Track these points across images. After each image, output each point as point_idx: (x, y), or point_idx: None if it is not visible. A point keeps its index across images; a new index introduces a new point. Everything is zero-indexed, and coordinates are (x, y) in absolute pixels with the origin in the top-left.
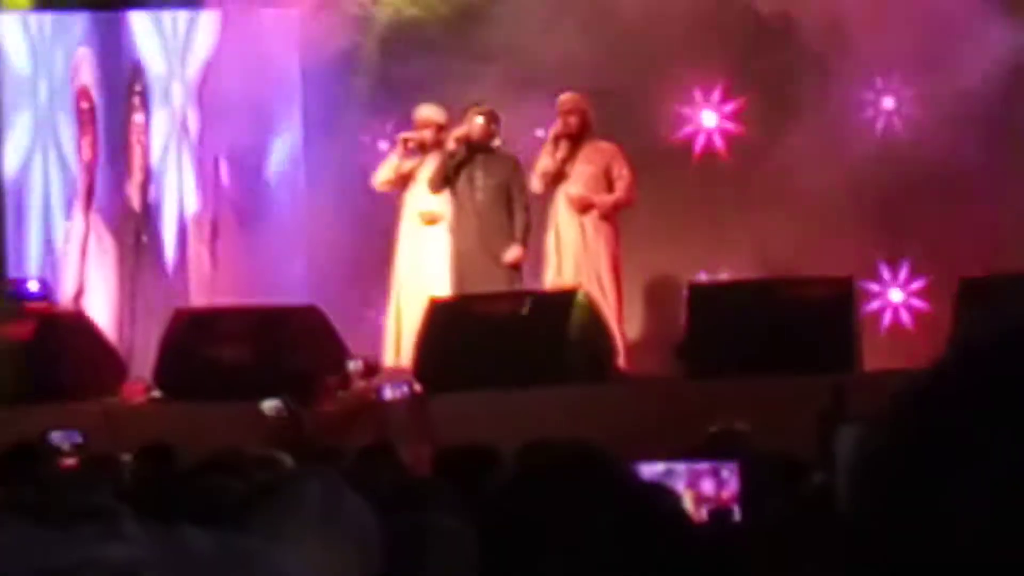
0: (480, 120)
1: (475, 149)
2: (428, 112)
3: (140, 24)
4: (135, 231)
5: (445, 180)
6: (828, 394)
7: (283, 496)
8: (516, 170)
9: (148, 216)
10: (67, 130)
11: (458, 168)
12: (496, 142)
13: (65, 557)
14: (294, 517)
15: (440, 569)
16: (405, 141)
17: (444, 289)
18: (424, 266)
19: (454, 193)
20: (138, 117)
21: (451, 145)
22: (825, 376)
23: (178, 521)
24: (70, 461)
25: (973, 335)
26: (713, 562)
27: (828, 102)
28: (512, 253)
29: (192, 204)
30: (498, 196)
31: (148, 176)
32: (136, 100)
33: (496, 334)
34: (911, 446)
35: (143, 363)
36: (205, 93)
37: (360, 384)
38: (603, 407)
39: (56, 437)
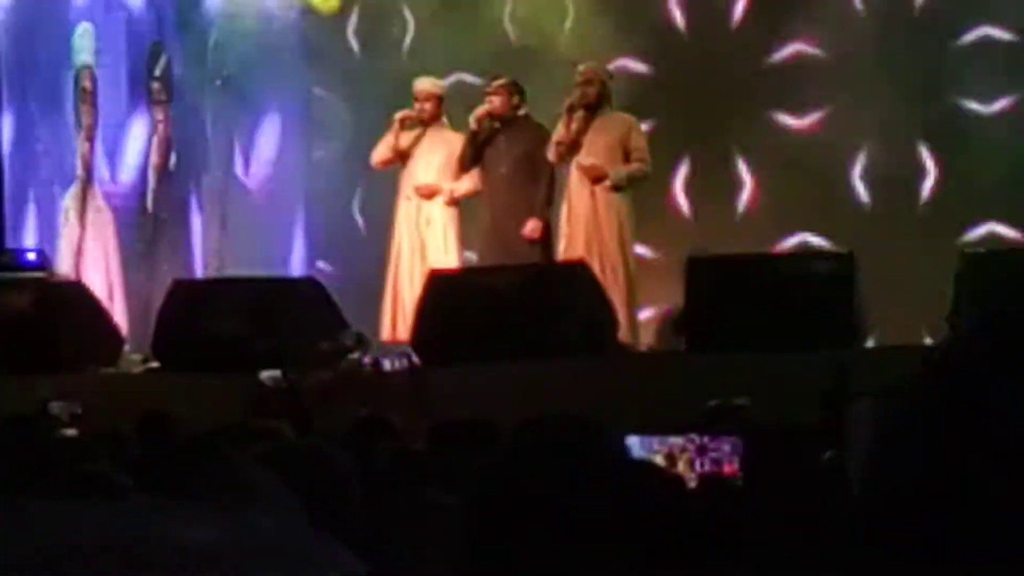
0: (498, 97)
1: (500, 122)
2: (426, 85)
3: None
4: (145, 206)
5: (472, 160)
6: (830, 371)
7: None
8: (544, 139)
9: (161, 189)
10: (67, 101)
11: (484, 145)
12: (522, 111)
13: (134, 532)
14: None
15: (437, 544)
16: (402, 120)
17: (442, 262)
18: (422, 239)
19: (481, 168)
20: (156, 94)
21: (473, 125)
22: (826, 352)
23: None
24: (69, 431)
25: (985, 309)
26: (704, 541)
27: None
28: (531, 226)
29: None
30: (523, 167)
31: (166, 161)
32: (156, 85)
33: (495, 307)
34: (930, 417)
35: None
36: (211, 67)
37: (353, 357)
38: (602, 381)
39: (55, 407)
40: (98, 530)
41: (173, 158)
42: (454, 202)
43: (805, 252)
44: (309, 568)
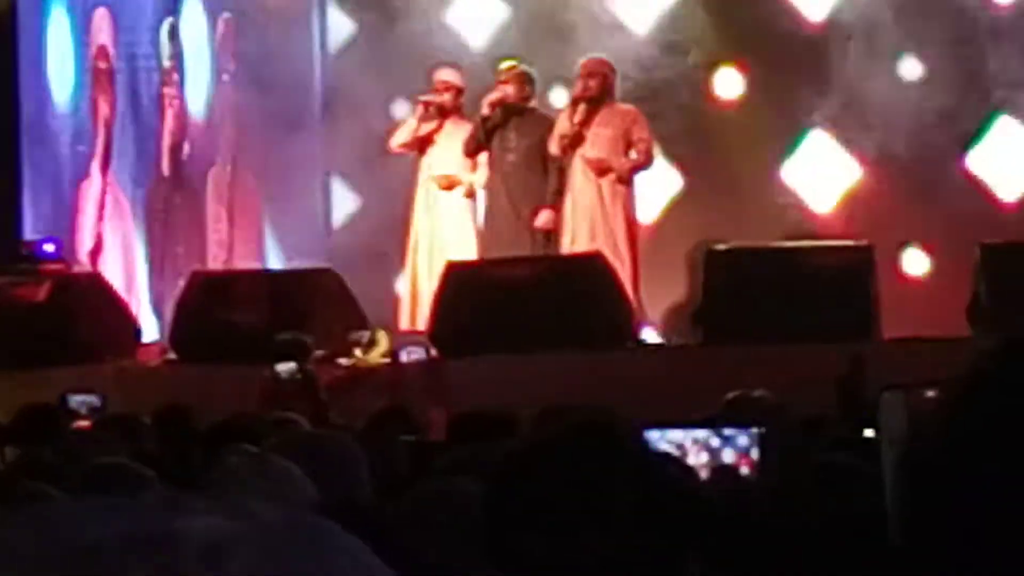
0: (512, 86)
1: (511, 112)
2: (447, 75)
3: None
4: (164, 194)
5: (479, 145)
6: (847, 362)
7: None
8: (551, 131)
9: (178, 178)
10: (86, 89)
11: (492, 132)
12: (532, 103)
13: (154, 527)
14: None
15: (458, 534)
16: (426, 104)
17: (460, 253)
18: (440, 230)
19: (489, 156)
20: (172, 78)
21: (485, 110)
22: (843, 344)
23: (194, 486)
24: (85, 423)
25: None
26: (722, 531)
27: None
28: (543, 218)
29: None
30: (530, 158)
31: (180, 139)
32: (169, 64)
33: (513, 298)
34: (963, 441)
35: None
36: (225, 53)
37: (366, 357)
38: (620, 373)
39: (75, 400)
40: (118, 525)
41: (187, 147)
42: (472, 194)
43: (823, 244)
44: (317, 557)
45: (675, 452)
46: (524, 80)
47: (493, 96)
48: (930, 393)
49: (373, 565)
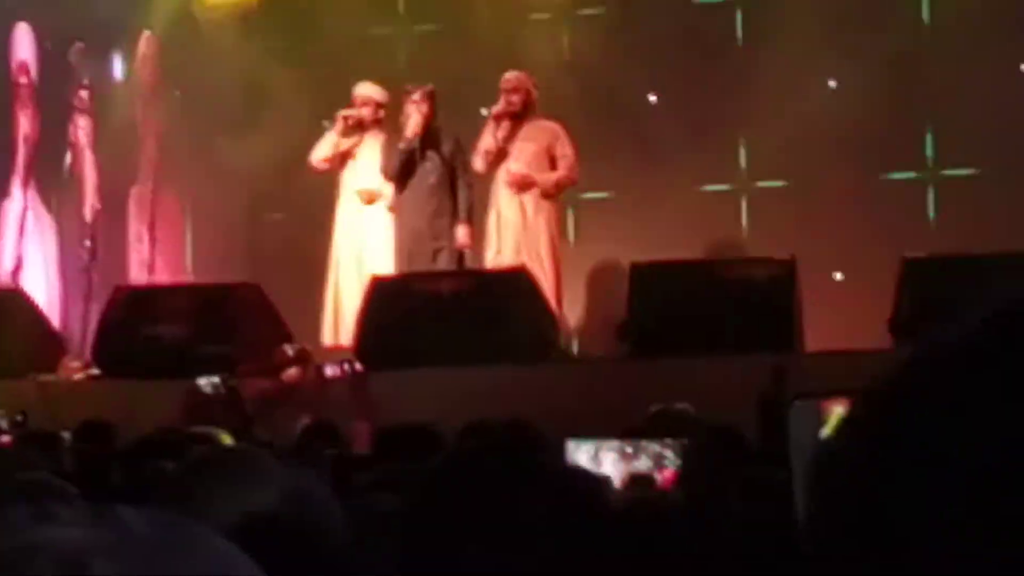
0: (427, 105)
1: (429, 133)
2: (367, 90)
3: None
4: (82, 211)
5: (404, 172)
6: (768, 375)
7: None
8: (458, 147)
9: (98, 194)
10: (6, 104)
11: (413, 156)
12: (437, 120)
13: (9, 542)
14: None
15: (380, 551)
16: (345, 119)
17: (383, 267)
18: (363, 244)
19: (410, 178)
20: (82, 93)
21: (410, 134)
22: (766, 356)
23: (115, 501)
24: (6, 438)
25: (936, 332)
26: (637, 546)
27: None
28: (462, 234)
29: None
30: (443, 175)
31: (96, 156)
32: (84, 94)
33: (438, 312)
34: (874, 450)
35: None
36: (144, 70)
37: (292, 370)
38: (545, 387)
39: None
40: None
41: (104, 166)
42: (395, 207)
43: (747, 257)
44: (181, 557)
45: (591, 463)
46: (434, 98)
47: (417, 121)
48: (839, 405)
49: (246, 571)
